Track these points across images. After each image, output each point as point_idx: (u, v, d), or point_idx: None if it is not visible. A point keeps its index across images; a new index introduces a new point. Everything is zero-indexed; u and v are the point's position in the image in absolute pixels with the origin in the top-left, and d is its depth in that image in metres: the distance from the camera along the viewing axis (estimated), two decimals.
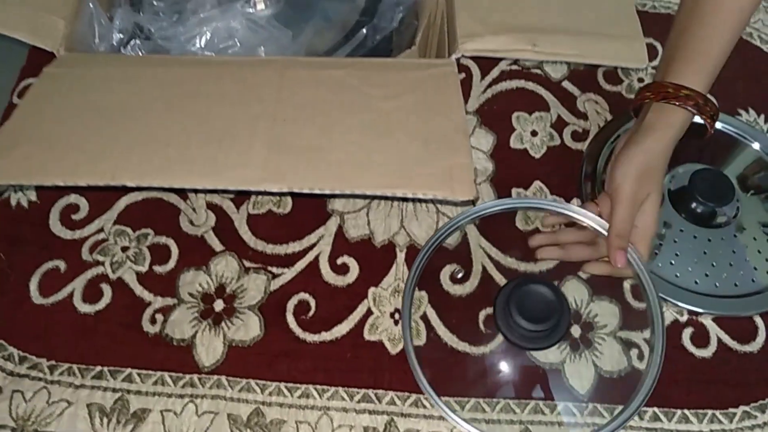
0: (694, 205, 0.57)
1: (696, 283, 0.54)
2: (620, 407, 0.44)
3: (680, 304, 0.54)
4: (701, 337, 0.53)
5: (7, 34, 0.43)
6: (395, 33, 0.57)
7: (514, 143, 0.62)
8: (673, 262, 0.55)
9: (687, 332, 0.53)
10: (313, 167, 0.37)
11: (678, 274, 0.55)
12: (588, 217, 0.50)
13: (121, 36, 0.52)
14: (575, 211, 0.50)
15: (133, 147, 0.37)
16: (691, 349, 0.53)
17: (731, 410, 0.50)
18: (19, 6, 0.44)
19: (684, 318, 0.54)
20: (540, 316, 0.47)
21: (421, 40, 0.53)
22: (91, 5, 0.48)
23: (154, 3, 0.58)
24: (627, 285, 0.55)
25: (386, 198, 0.53)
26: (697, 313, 0.54)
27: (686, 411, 0.50)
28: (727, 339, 0.53)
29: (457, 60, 0.45)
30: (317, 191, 0.36)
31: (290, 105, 0.40)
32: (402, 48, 0.56)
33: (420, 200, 0.51)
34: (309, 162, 0.37)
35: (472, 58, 0.46)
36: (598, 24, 0.47)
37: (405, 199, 0.53)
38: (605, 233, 0.48)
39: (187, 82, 0.42)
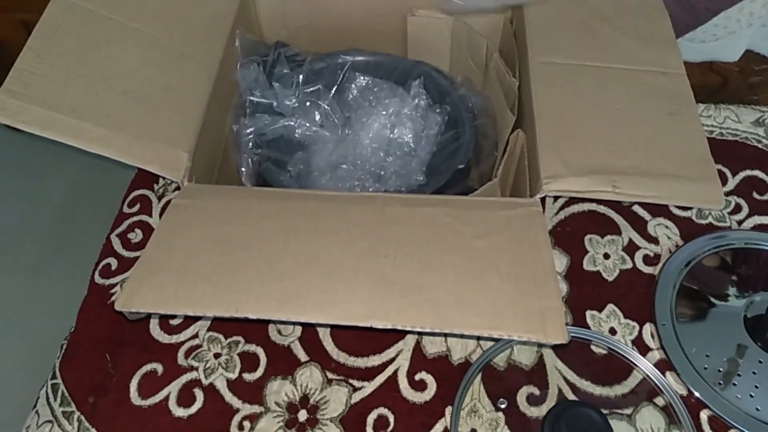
0: None
1: None
2: None
3: None
4: None
5: (144, 168, 0.49)
6: (476, 162, 0.61)
7: (587, 265, 0.64)
8: (752, 394, 0.55)
9: None
10: (413, 304, 0.40)
11: (759, 407, 0.54)
12: (644, 365, 0.55)
13: None
14: (628, 352, 0.56)
15: (253, 280, 0.42)
16: None
17: None
18: (152, 142, 0.50)
19: None
20: None
21: (502, 172, 0.57)
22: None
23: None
24: (704, 416, 0.55)
25: (482, 338, 0.56)
26: None
27: None
28: None
29: (541, 199, 0.49)
30: (418, 329, 0.39)
31: (391, 241, 0.44)
32: (483, 178, 0.61)
33: None
34: (410, 299, 0.41)
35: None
36: (674, 166, 0.50)
37: None
38: (658, 383, 0.54)
39: (297, 216, 0.47)
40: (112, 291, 0.64)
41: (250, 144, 0.65)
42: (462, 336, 0.56)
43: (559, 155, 0.51)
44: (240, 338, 0.60)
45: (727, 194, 0.68)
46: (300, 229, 0.45)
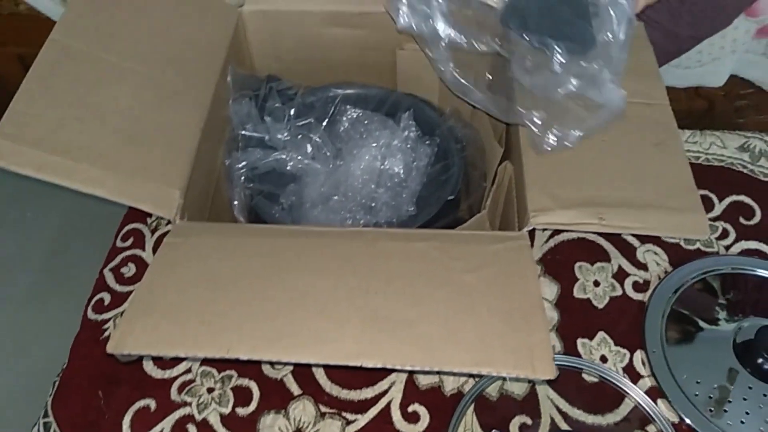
0: (760, 361, 0.57)
1: None
2: None
3: None
4: None
5: (137, 207, 0.49)
6: (465, 193, 0.62)
7: (577, 293, 0.64)
8: (743, 420, 0.55)
9: None
10: (403, 341, 0.41)
11: None
12: (635, 393, 0.56)
13: None
14: (620, 380, 0.56)
15: (245, 319, 0.42)
16: None
17: None
18: (145, 181, 0.51)
19: None
20: None
21: (491, 203, 0.58)
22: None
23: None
24: None
25: (472, 375, 0.56)
26: None
27: None
28: None
29: (529, 232, 0.50)
30: (408, 368, 0.40)
31: (381, 277, 0.45)
32: (472, 208, 0.61)
33: None
34: (400, 336, 0.41)
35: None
36: (659, 197, 0.51)
37: None
38: (650, 411, 0.55)
39: (288, 253, 0.47)
40: (105, 327, 0.64)
41: (243, 178, 0.65)
42: (452, 373, 0.56)
43: (546, 188, 0.52)
44: (233, 372, 0.60)
45: (714, 219, 0.69)
46: (292, 266, 0.46)
